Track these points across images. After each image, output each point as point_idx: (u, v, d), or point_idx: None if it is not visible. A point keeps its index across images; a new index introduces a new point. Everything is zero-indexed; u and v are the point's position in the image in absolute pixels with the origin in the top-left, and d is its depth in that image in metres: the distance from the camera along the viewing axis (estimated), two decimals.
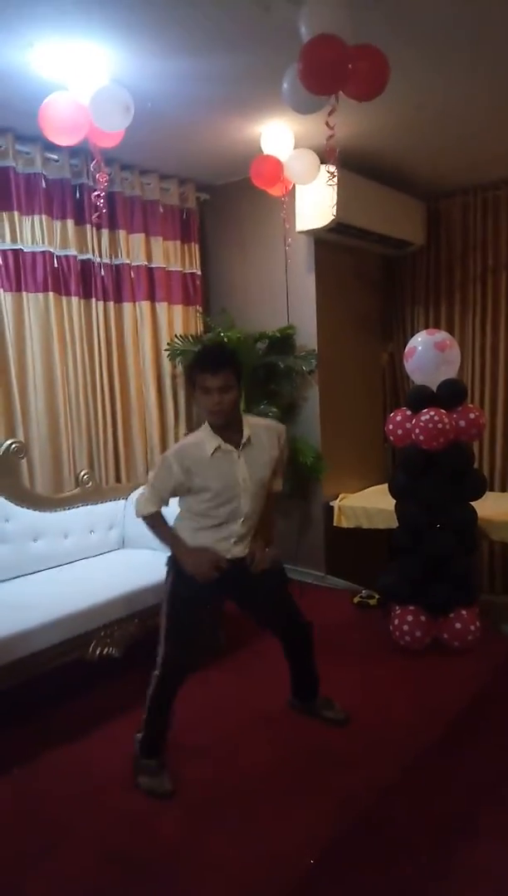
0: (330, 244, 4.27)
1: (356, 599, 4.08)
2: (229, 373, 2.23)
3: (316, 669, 2.76)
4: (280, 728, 2.73)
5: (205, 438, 2.32)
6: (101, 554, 3.62)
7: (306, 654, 2.72)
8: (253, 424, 2.39)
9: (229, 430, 2.32)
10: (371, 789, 2.35)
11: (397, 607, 3.47)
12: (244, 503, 2.35)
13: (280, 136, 3.52)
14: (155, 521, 2.44)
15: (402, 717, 2.80)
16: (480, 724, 2.79)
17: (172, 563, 2.45)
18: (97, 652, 2.89)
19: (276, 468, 2.46)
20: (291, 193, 3.84)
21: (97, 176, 2.96)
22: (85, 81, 2.70)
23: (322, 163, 3.47)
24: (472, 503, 3.40)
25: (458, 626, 3.34)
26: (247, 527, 2.41)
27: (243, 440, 2.33)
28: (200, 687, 2.85)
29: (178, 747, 2.57)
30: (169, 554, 2.46)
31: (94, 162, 2.94)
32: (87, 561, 3.50)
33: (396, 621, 3.42)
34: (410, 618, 3.38)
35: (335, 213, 3.79)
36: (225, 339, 4.10)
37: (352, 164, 3.83)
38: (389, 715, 2.82)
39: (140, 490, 2.54)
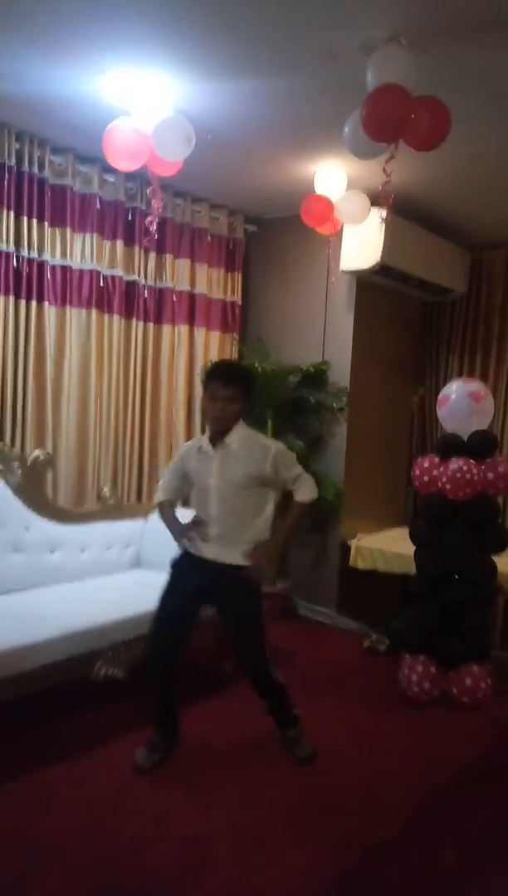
0: (372, 285, 4.30)
1: (365, 643, 4.01)
2: (237, 388, 2.48)
3: (281, 700, 2.72)
4: (278, 767, 2.67)
5: (201, 440, 2.62)
6: (115, 572, 3.60)
7: (263, 696, 2.71)
8: (245, 437, 2.54)
9: (222, 437, 2.53)
10: (370, 840, 2.29)
11: (407, 656, 3.41)
12: (213, 504, 2.54)
13: (334, 176, 3.57)
14: (162, 509, 2.74)
15: (405, 770, 2.73)
16: (485, 783, 2.72)
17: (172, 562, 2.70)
18: (102, 672, 2.86)
19: (279, 482, 2.58)
20: (338, 233, 3.88)
21: (152, 202, 3.02)
22: (149, 110, 2.77)
23: (373, 205, 3.51)
24: (493, 557, 3.35)
25: (468, 681, 3.27)
26: (218, 530, 2.54)
27: (222, 447, 2.51)
28: (200, 715, 2.82)
29: (173, 777, 2.54)
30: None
31: (150, 188, 3.00)
32: (101, 578, 3.49)
33: (405, 670, 3.36)
34: (419, 668, 3.31)
35: (380, 257, 3.82)
36: (259, 370, 4.12)
37: (400, 208, 3.86)
38: (391, 766, 2.76)
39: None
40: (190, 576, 2.61)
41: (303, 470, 2.63)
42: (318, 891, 2.05)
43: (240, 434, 2.53)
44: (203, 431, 4.38)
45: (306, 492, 2.62)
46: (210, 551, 2.57)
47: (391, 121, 2.30)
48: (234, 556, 2.53)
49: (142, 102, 2.78)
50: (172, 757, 2.64)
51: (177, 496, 2.77)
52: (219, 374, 2.50)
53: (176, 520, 2.67)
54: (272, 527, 2.61)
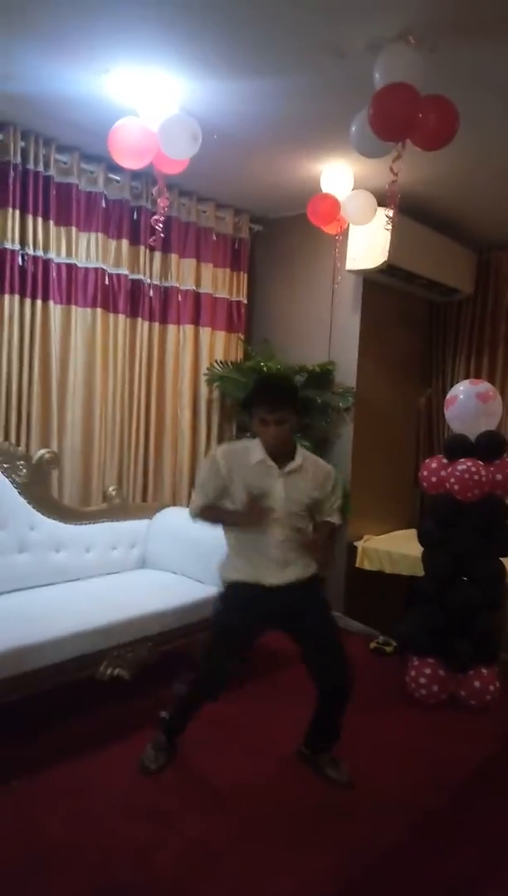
0: (378, 285, 4.28)
1: (372, 645, 4.00)
2: (288, 407, 2.33)
3: (340, 725, 2.61)
4: (286, 772, 2.65)
5: (253, 448, 2.41)
6: (121, 572, 3.59)
7: (337, 707, 2.57)
8: (307, 457, 2.46)
9: (281, 455, 2.40)
10: (377, 845, 2.27)
11: (414, 658, 3.39)
12: (277, 526, 2.38)
13: (340, 175, 3.55)
14: (207, 514, 2.49)
15: (412, 773, 2.71)
16: (493, 786, 2.69)
17: (222, 592, 2.55)
18: (108, 672, 2.85)
19: (325, 505, 2.50)
20: (344, 232, 3.86)
21: (158, 201, 3.01)
22: (155, 108, 2.76)
23: (380, 205, 3.50)
24: (502, 559, 3.33)
25: (477, 684, 3.25)
26: (284, 552, 2.41)
27: (292, 466, 2.39)
28: (210, 717, 2.80)
29: (177, 780, 2.52)
30: (221, 583, 2.56)
31: (156, 187, 2.99)
32: (106, 578, 3.48)
33: (412, 673, 3.34)
34: (427, 671, 3.29)
35: (387, 256, 3.81)
36: (264, 369, 4.11)
37: (407, 208, 3.84)
38: (399, 770, 2.73)
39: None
40: (254, 607, 2.45)
41: None
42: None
43: (302, 455, 2.43)
44: (208, 431, 4.39)
45: (339, 518, 2.56)
46: (274, 576, 2.42)
47: (399, 120, 2.28)
48: (297, 572, 2.45)
49: (147, 101, 2.77)
50: (176, 759, 2.63)
51: (217, 503, 2.49)
52: (265, 399, 2.34)
53: (230, 510, 2.43)
54: None
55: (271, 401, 2.33)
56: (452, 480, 3.21)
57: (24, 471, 3.26)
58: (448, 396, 3.45)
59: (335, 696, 2.55)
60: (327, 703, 2.58)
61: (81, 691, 2.88)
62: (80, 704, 2.97)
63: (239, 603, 2.48)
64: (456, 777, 2.71)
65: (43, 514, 3.32)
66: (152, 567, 3.68)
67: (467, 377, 4.59)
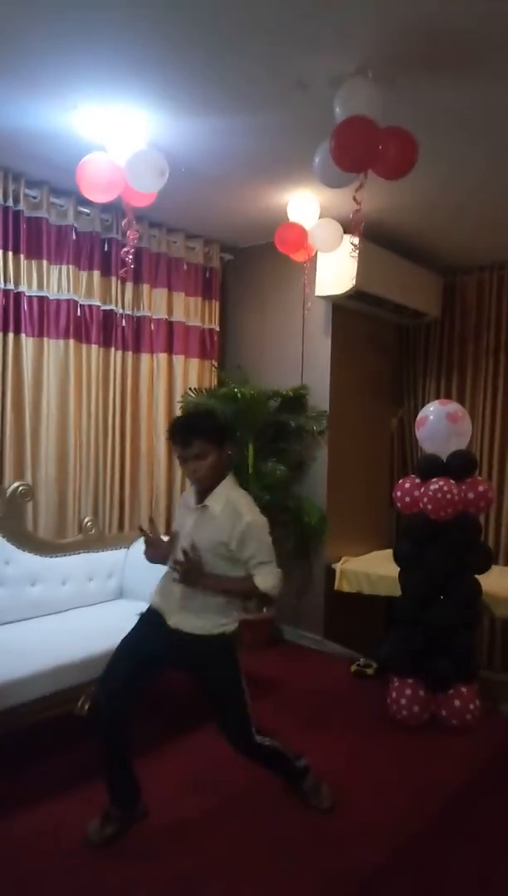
0: (347, 310, 4.36)
1: (353, 668, 3.98)
2: (200, 441, 2.21)
3: (276, 763, 2.48)
4: (264, 801, 2.61)
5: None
6: (98, 603, 3.56)
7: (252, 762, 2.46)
8: (227, 500, 2.26)
9: (206, 491, 2.29)
10: (359, 872, 2.24)
11: (395, 679, 3.39)
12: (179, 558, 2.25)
13: (307, 205, 3.64)
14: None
15: (394, 797, 2.69)
16: (476, 807, 2.68)
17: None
18: (86, 707, 2.80)
19: (242, 558, 2.25)
20: (312, 259, 3.94)
21: (128, 233, 3.05)
22: (123, 143, 2.81)
23: (346, 232, 3.58)
24: (477, 576, 3.36)
25: (457, 703, 3.25)
26: (184, 593, 2.26)
27: (202, 504, 2.28)
28: (183, 749, 2.76)
29: (159, 814, 2.48)
30: None
31: (125, 220, 3.03)
32: (83, 610, 3.44)
33: (394, 694, 3.34)
34: (408, 692, 3.29)
35: (355, 282, 3.88)
36: (239, 395, 4.14)
37: (373, 235, 3.94)
38: (381, 793, 2.71)
39: None
40: (155, 632, 2.33)
41: (273, 560, 2.27)
42: None
43: (223, 495, 2.26)
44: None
45: (265, 580, 2.26)
46: (173, 617, 2.29)
47: (359, 151, 2.35)
48: (199, 625, 2.27)
49: (115, 136, 2.82)
50: (133, 829, 2.37)
51: None
52: (174, 436, 2.27)
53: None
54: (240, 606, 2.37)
55: (177, 439, 2.25)
56: (425, 500, 3.24)
57: None
58: (419, 417, 3.50)
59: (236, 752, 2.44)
60: None
61: (59, 727, 2.83)
62: (58, 741, 2.91)
63: (142, 622, 2.41)
64: (440, 800, 2.70)
65: (18, 548, 3.28)
66: (130, 597, 3.65)
67: (437, 398, 4.67)
